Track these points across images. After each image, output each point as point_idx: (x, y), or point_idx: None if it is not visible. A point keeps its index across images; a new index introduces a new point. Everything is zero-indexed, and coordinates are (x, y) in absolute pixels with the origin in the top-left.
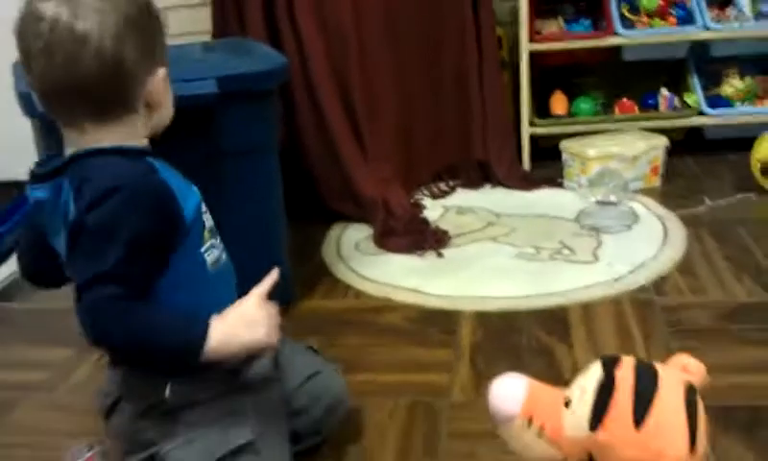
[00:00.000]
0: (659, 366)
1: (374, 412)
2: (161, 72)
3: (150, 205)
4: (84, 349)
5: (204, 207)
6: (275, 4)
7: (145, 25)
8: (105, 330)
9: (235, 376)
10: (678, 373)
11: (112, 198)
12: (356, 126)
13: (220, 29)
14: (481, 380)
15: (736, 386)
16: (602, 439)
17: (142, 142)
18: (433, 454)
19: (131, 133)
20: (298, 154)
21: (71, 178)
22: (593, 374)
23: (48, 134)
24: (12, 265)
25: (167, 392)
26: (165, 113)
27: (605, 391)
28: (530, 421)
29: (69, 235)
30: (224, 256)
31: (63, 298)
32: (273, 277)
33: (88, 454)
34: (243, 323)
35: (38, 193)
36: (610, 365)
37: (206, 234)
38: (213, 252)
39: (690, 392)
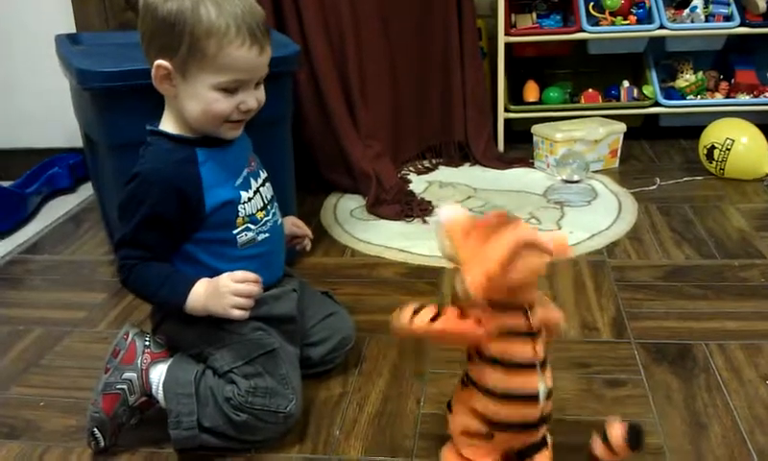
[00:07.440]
0: (525, 225)
1: (372, 346)
2: (155, 63)
3: (159, 192)
4: (117, 293)
5: (244, 199)
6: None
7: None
8: (124, 282)
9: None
10: (525, 233)
11: (133, 182)
12: (351, 107)
13: None
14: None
15: (667, 328)
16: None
17: (195, 131)
18: (419, 376)
19: (179, 119)
20: (298, 129)
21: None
22: None
23: (102, 107)
24: (39, 222)
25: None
26: (191, 112)
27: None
28: (448, 232)
29: None
30: (260, 237)
31: (87, 252)
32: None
33: (129, 340)
34: (213, 293)
35: None
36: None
37: (239, 221)
38: (247, 233)
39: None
